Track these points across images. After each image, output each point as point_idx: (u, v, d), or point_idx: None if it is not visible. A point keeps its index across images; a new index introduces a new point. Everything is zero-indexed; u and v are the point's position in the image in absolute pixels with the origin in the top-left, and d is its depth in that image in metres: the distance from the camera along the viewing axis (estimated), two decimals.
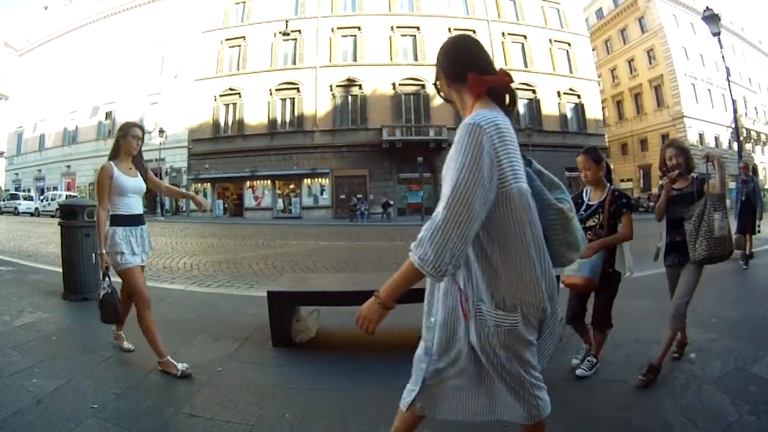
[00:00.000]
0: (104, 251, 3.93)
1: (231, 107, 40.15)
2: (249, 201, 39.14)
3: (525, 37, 41.73)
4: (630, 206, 3.97)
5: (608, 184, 4.11)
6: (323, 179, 37.90)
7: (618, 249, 4.00)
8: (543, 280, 1.89)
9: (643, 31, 52.04)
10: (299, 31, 39.92)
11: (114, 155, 4.22)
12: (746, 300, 6.83)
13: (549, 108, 40.83)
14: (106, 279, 3.98)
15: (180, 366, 3.92)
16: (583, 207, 4.10)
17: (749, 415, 3.20)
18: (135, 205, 4.24)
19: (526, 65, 41.20)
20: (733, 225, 10.01)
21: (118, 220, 4.05)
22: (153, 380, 3.78)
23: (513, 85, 2.06)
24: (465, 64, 2.03)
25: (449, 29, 39.91)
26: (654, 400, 3.46)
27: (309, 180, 38.20)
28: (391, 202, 35.36)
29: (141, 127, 4.38)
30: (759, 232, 10.28)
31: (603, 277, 3.90)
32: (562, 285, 3.88)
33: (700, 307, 6.01)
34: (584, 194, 4.22)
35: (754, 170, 11.36)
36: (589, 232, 3.97)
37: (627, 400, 3.46)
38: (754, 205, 10.00)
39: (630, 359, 4.22)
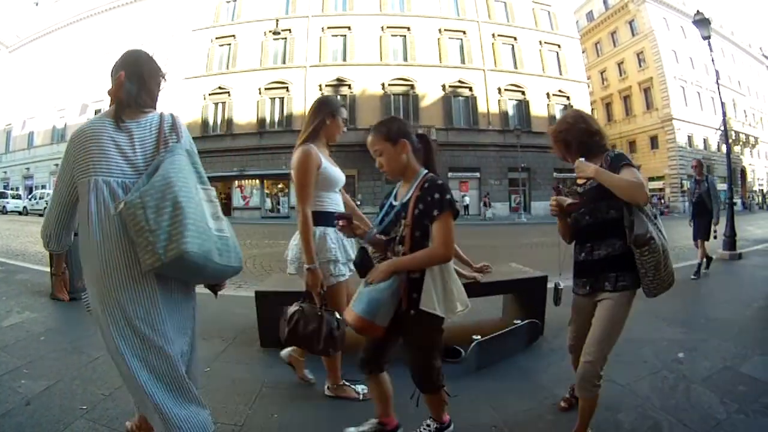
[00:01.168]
0: (315, 266, 3.13)
1: (220, 106, 39.99)
2: (237, 200, 39.01)
3: (515, 38, 41.80)
4: (445, 205, 2.44)
5: (422, 172, 2.65)
6: None
7: (428, 276, 2.48)
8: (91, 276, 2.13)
9: (633, 34, 52.27)
10: (289, 30, 39.83)
11: (312, 138, 3.34)
12: (735, 300, 6.88)
13: (538, 109, 40.86)
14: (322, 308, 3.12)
15: (359, 389, 3.60)
16: (384, 209, 2.76)
17: (738, 413, 3.23)
18: (341, 201, 3.55)
19: (515, 66, 41.29)
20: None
21: (329, 219, 3.23)
22: None
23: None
24: None
25: (440, 30, 40.15)
26: (643, 400, 3.47)
27: None
28: (359, 202, 35.42)
29: (345, 107, 3.58)
30: (716, 238, 9.52)
31: (401, 319, 2.54)
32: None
33: (690, 308, 6.06)
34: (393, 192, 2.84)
35: (743, 173, 11.07)
36: (388, 248, 2.64)
37: (616, 400, 3.45)
38: (709, 208, 9.09)
39: (620, 359, 4.06)
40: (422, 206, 2.46)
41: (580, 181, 3.02)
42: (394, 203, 2.66)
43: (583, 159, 2.85)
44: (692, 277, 8.68)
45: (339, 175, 3.45)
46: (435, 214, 2.42)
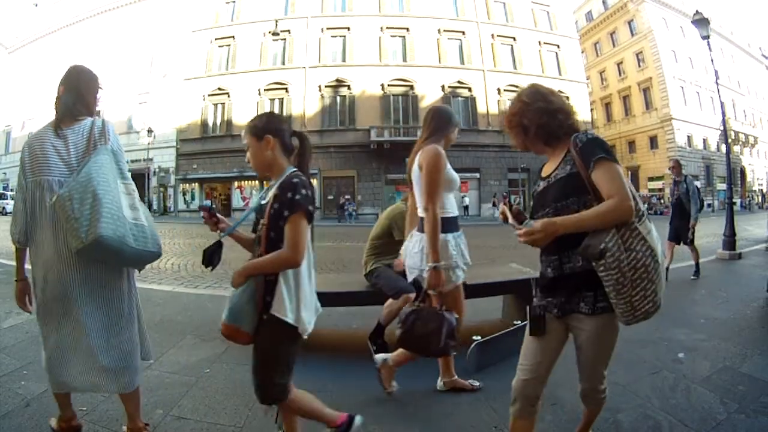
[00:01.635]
0: (440, 265, 3.17)
1: (219, 107, 40.01)
2: (237, 201, 38.99)
3: (514, 38, 41.84)
4: (295, 206, 2.35)
5: (288, 170, 2.55)
6: (311, 180, 37.39)
7: (280, 279, 2.38)
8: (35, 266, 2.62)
9: (632, 34, 52.34)
10: (288, 31, 39.83)
11: (437, 140, 3.48)
12: (735, 300, 6.88)
13: None
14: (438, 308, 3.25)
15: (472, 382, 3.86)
16: (254, 206, 2.68)
17: (738, 413, 3.24)
18: (455, 203, 3.59)
19: (515, 67, 41.29)
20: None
21: (449, 225, 3.37)
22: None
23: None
24: None
25: (439, 30, 40.14)
26: (643, 400, 3.47)
27: None
28: (351, 203, 35.61)
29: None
30: (692, 242, 8.99)
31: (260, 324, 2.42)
32: None
33: (690, 308, 6.05)
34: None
35: (742, 173, 10.82)
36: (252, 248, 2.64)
37: (616, 400, 3.44)
38: (686, 209, 8.91)
39: (619, 358, 4.13)
40: (277, 206, 2.36)
41: (544, 173, 2.44)
42: (264, 203, 2.53)
43: (529, 223, 2.15)
44: (692, 277, 8.67)
45: (457, 177, 3.51)
46: (285, 215, 2.33)
